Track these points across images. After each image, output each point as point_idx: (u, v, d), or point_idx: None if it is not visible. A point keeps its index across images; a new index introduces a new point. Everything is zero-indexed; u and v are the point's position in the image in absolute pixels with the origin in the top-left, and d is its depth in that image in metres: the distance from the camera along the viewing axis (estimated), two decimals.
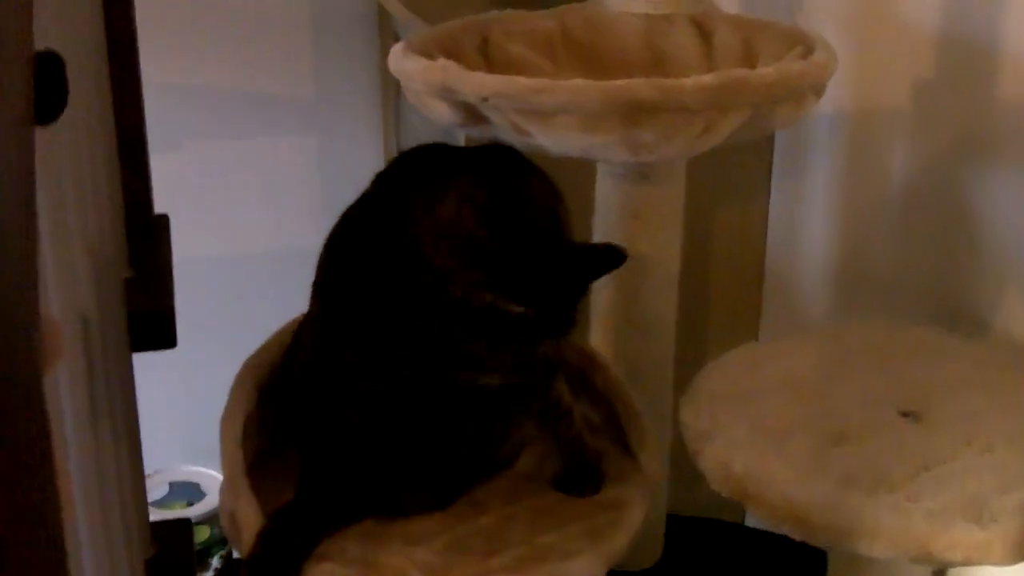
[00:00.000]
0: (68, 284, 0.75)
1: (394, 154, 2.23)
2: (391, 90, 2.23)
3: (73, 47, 0.83)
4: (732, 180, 1.93)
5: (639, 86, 1.10)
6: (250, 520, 1.10)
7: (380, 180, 1.20)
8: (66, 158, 0.76)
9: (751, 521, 1.88)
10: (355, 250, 1.14)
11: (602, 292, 1.47)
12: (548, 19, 1.44)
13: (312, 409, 1.15)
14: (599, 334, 1.48)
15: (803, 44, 1.30)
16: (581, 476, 1.21)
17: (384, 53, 1.29)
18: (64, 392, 0.76)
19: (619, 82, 1.10)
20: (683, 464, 1.24)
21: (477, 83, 1.14)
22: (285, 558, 1.08)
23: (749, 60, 1.37)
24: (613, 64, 1.39)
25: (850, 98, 1.70)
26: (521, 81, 1.13)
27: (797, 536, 1.10)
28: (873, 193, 1.71)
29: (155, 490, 2.15)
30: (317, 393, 1.14)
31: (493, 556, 1.10)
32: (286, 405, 1.24)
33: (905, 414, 1.21)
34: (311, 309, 1.19)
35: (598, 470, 1.22)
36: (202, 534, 2.05)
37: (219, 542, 2.03)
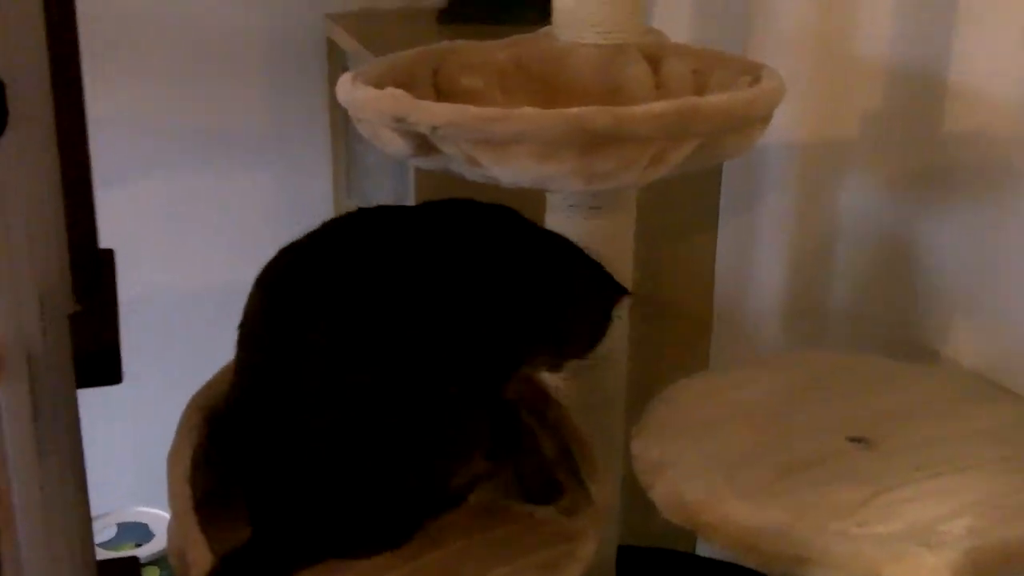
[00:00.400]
0: (13, 312, 0.74)
1: (344, 189, 2.25)
2: (341, 124, 2.22)
3: (14, 74, 0.82)
4: (681, 213, 1.94)
5: (593, 114, 1.11)
6: (200, 559, 1.09)
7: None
8: (9, 186, 0.75)
9: (703, 551, 1.88)
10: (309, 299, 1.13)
11: None
12: (500, 50, 1.44)
13: (253, 454, 1.13)
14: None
15: (750, 73, 1.32)
16: (545, 486, 1.22)
17: (333, 88, 1.29)
18: (8, 428, 0.74)
19: (572, 110, 1.11)
20: (635, 495, 1.24)
21: (428, 112, 1.13)
22: None
23: (699, 90, 1.38)
24: (566, 95, 1.40)
25: (799, 130, 1.71)
26: (473, 110, 1.12)
27: (750, 564, 1.10)
28: (822, 225, 1.73)
29: (103, 532, 2.12)
30: (257, 438, 1.12)
31: None
32: (231, 445, 1.22)
33: (855, 440, 1.22)
34: (240, 353, 1.17)
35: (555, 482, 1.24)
36: (151, 575, 2.03)
37: None
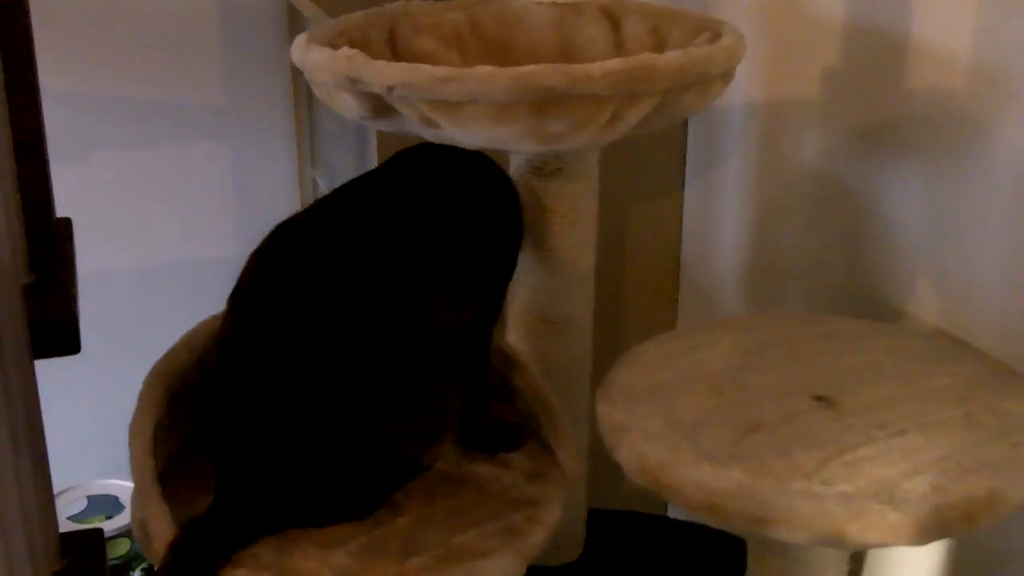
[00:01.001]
0: None
1: (307, 158, 2.23)
2: (303, 93, 2.20)
3: None
4: (646, 175, 1.93)
5: (546, 72, 1.09)
6: (162, 529, 1.08)
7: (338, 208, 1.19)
8: None
9: (674, 513, 1.88)
10: (306, 271, 1.12)
11: (517, 290, 1.46)
12: (456, 11, 1.43)
13: (231, 421, 1.13)
14: (515, 332, 1.48)
15: (710, 30, 1.31)
16: (507, 431, 1.26)
17: None
18: None
19: (526, 68, 1.09)
20: (603, 459, 1.24)
21: (383, 73, 1.12)
22: (199, 568, 1.06)
23: (658, 48, 1.37)
24: (523, 56, 1.39)
25: (760, 90, 1.71)
26: (427, 70, 1.11)
27: (714, 525, 1.10)
28: (785, 185, 1.73)
29: (73, 504, 2.11)
30: (237, 405, 1.12)
31: (410, 557, 1.09)
32: (202, 413, 1.21)
33: (818, 399, 1.21)
34: (229, 319, 1.16)
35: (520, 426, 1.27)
36: (122, 547, 2.03)
37: (139, 555, 2.01)
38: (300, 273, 1.12)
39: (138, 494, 1.13)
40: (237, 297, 1.16)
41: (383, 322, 1.11)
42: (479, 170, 1.25)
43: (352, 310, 1.10)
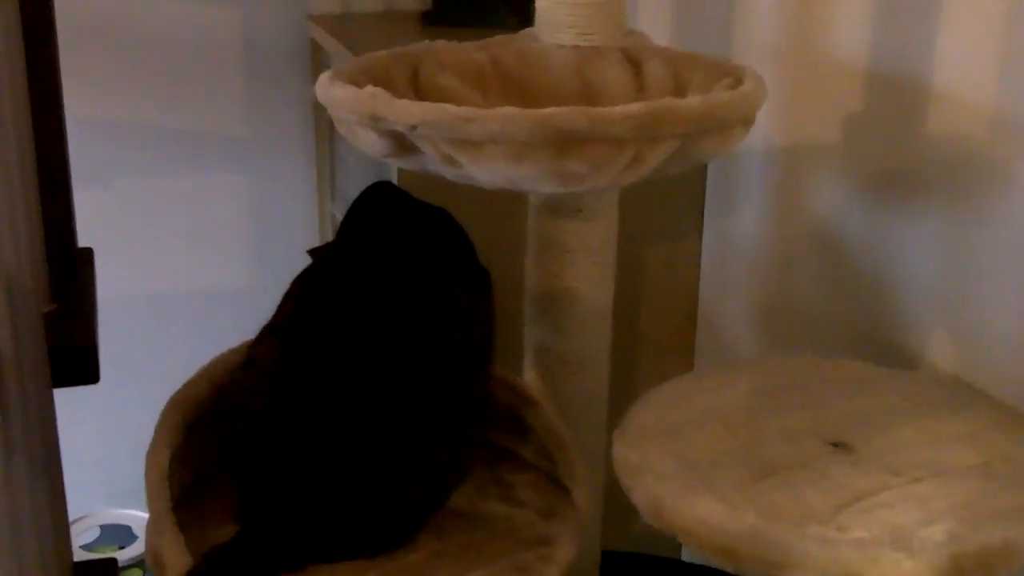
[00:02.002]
0: None
1: (327, 192, 2.25)
2: (324, 128, 2.22)
3: None
4: (664, 217, 1.94)
5: (568, 114, 1.10)
6: (175, 558, 1.08)
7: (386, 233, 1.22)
8: None
9: (688, 556, 1.88)
10: (352, 306, 1.15)
11: (534, 329, 1.46)
12: (479, 51, 1.43)
13: (266, 456, 1.13)
14: (532, 371, 1.48)
15: (732, 75, 1.31)
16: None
17: None
18: None
19: (548, 110, 1.10)
20: (618, 499, 1.24)
21: (405, 111, 1.13)
22: None
23: (679, 92, 1.37)
24: (544, 97, 1.39)
25: (780, 134, 1.71)
26: (450, 109, 1.12)
27: (728, 569, 1.10)
28: (803, 230, 1.73)
29: (86, 534, 2.12)
30: (276, 441, 1.13)
31: None
32: (218, 445, 1.22)
33: (834, 444, 1.21)
34: (267, 352, 1.18)
35: None
36: None
37: None
38: (342, 310, 1.15)
39: (153, 523, 1.13)
40: (280, 333, 1.18)
41: (433, 329, 1.15)
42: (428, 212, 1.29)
43: (395, 338, 1.13)
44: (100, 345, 1.10)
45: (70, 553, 1.14)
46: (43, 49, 1.10)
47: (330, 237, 1.33)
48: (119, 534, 2.13)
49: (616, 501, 1.27)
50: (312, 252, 1.27)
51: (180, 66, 2.16)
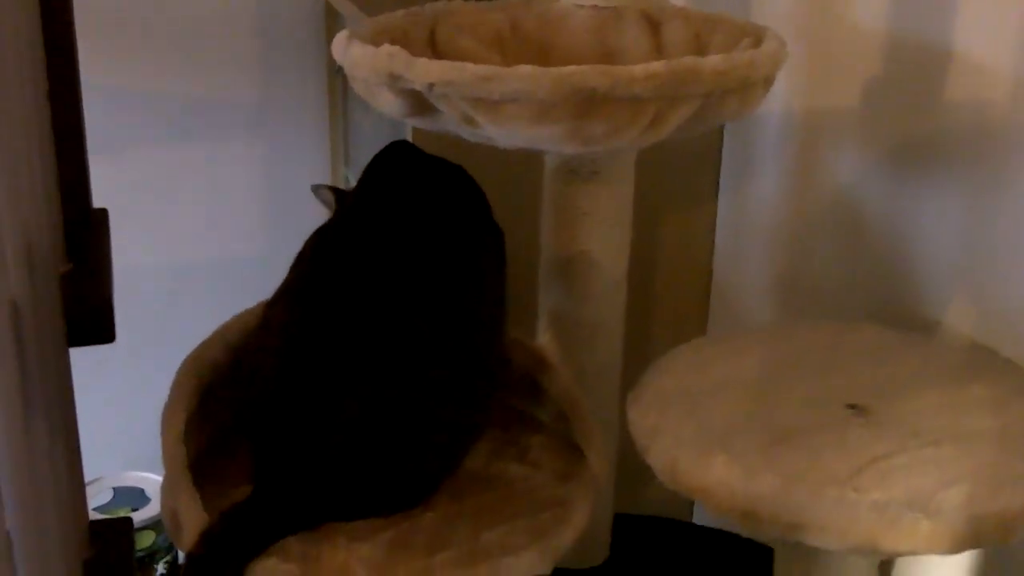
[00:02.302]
0: None
1: (341, 158, 2.24)
2: (338, 93, 2.21)
3: (2, 25, 0.81)
4: (680, 183, 1.93)
5: (589, 73, 1.09)
6: (192, 518, 1.09)
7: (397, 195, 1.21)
8: None
9: (699, 519, 1.88)
10: (367, 267, 1.15)
11: (549, 293, 1.46)
12: (497, 12, 1.43)
13: (281, 416, 1.13)
14: (546, 335, 1.48)
15: (752, 36, 1.30)
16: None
17: (331, 56, 1.28)
18: None
19: (568, 68, 1.09)
20: (631, 464, 1.23)
21: (424, 70, 1.12)
22: (230, 558, 1.07)
23: (700, 53, 1.36)
24: (563, 59, 1.39)
25: (798, 100, 1.70)
26: (469, 68, 1.11)
27: (745, 531, 1.10)
28: (820, 195, 1.72)
29: (99, 496, 2.12)
30: (291, 401, 1.13)
31: (437, 552, 1.09)
32: (234, 406, 1.22)
33: (852, 407, 1.21)
34: (281, 314, 1.17)
35: None
36: (146, 539, 2.03)
37: (164, 548, 2.01)
38: (357, 269, 1.15)
39: (169, 483, 1.14)
40: (294, 294, 1.17)
41: (448, 291, 1.15)
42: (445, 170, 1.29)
43: (410, 299, 1.13)
44: (120, 312, 1.10)
45: (86, 512, 1.14)
46: (59, 14, 1.09)
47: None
48: (132, 496, 2.14)
49: (628, 466, 1.27)
50: (315, 189, 1.27)
51: (194, 32, 2.15)
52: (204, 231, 2.28)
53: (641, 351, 1.56)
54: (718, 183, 1.94)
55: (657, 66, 1.11)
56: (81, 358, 1.06)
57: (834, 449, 1.14)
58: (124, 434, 2.00)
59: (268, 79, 2.23)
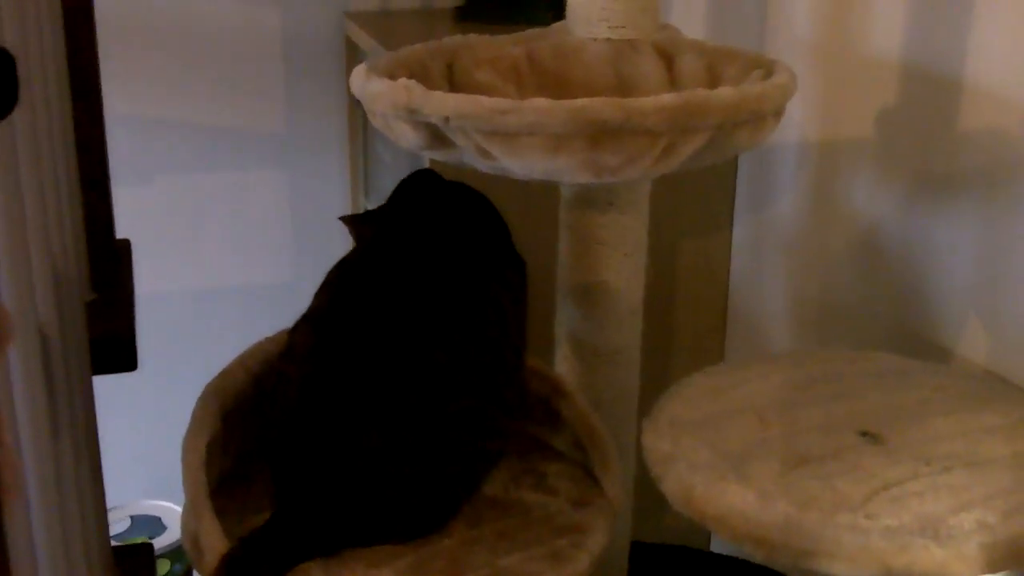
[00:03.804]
0: (22, 285, 0.75)
1: (361, 188, 2.26)
2: (359, 124, 2.24)
3: (29, 54, 0.83)
4: (696, 211, 1.94)
5: (602, 106, 1.11)
6: (213, 543, 1.10)
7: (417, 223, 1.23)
8: (24, 165, 0.76)
9: (717, 547, 1.88)
10: (387, 294, 1.17)
11: (566, 321, 1.47)
12: (514, 45, 1.45)
13: (301, 442, 1.14)
14: (564, 363, 1.49)
15: (764, 68, 1.32)
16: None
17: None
18: (22, 406, 0.76)
19: (581, 101, 1.11)
20: (648, 492, 1.24)
21: (440, 103, 1.14)
22: None
23: (712, 85, 1.38)
24: (579, 90, 1.40)
25: (813, 129, 1.72)
26: (485, 101, 1.13)
27: (759, 557, 1.11)
28: (835, 223, 1.73)
29: (117, 524, 2.14)
30: (311, 427, 1.14)
31: None
32: (255, 433, 1.24)
33: (865, 434, 1.22)
34: (304, 340, 1.19)
35: None
36: (162, 568, 2.05)
37: None
38: (380, 298, 1.16)
39: (191, 509, 1.15)
40: (317, 322, 1.19)
41: (469, 326, 1.16)
42: (469, 199, 1.30)
43: (432, 333, 1.14)
44: (140, 339, 1.12)
45: (108, 537, 1.15)
46: (83, 45, 1.11)
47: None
48: (150, 525, 2.15)
49: (646, 494, 1.28)
50: (345, 220, 1.28)
51: (219, 63, 2.18)
52: (227, 259, 2.30)
53: (659, 378, 1.57)
54: (733, 211, 1.96)
55: (668, 99, 1.13)
56: (105, 386, 1.07)
57: (847, 476, 1.14)
58: (142, 462, 2.02)
59: (291, 110, 2.26)
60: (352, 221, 1.30)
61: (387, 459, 1.12)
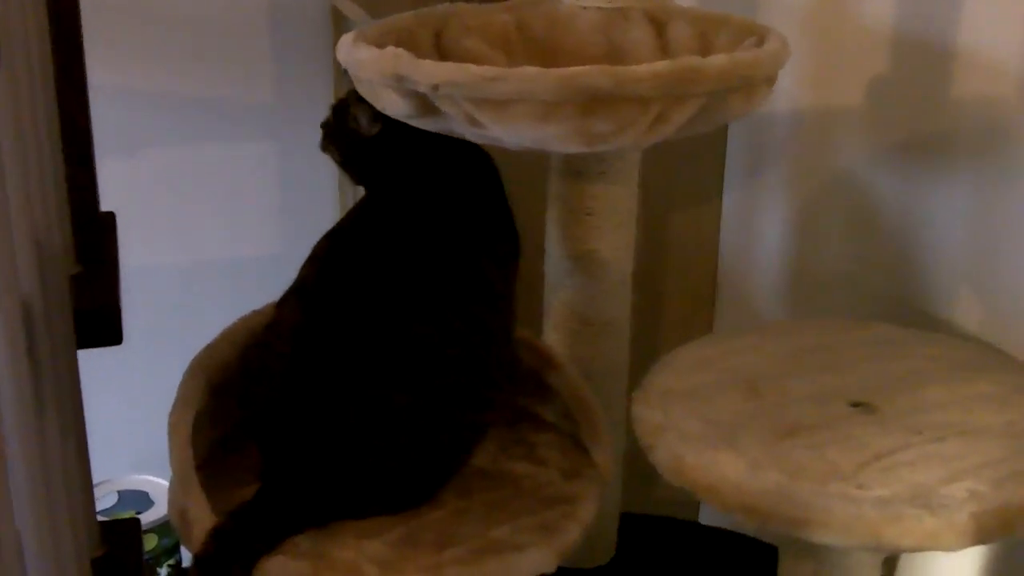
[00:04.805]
0: (5, 258, 0.74)
1: None
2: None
3: (10, 22, 0.82)
4: (686, 180, 1.93)
5: (593, 73, 1.10)
6: (201, 517, 1.10)
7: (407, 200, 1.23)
8: (5, 138, 0.75)
9: (705, 519, 1.88)
10: (376, 268, 1.16)
11: (556, 292, 1.47)
12: (503, 13, 1.43)
13: (289, 416, 1.14)
14: (554, 333, 1.48)
15: (756, 35, 1.31)
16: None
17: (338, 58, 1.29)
18: (6, 381, 0.75)
19: (572, 69, 1.09)
20: (638, 464, 1.24)
21: (429, 71, 1.13)
22: (239, 556, 1.07)
23: (704, 53, 1.37)
24: (569, 59, 1.39)
25: (804, 97, 1.71)
26: (474, 69, 1.12)
27: (750, 527, 1.11)
28: (827, 192, 1.72)
29: (104, 499, 2.13)
30: (298, 400, 1.13)
31: (446, 549, 1.09)
32: (241, 407, 1.23)
33: (857, 405, 1.21)
34: (290, 314, 1.18)
35: None
36: (150, 543, 2.04)
37: (167, 551, 2.02)
38: (367, 270, 1.15)
39: (178, 482, 1.14)
40: (304, 295, 1.18)
41: (457, 300, 1.15)
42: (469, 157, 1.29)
43: (423, 296, 1.14)
44: (126, 313, 1.11)
45: (95, 512, 1.15)
46: (66, 15, 1.10)
47: (352, 205, 1.35)
48: (137, 500, 2.14)
49: (635, 465, 1.28)
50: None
51: (204, 33, 2.16)
52: (214, 231, 2.29)
53: (648, 349, 1.56)
54: (723, 181, 1.95)
55: (660, 66, 1.11)
56: (85, 359, 1.06)
57: (839, 445, 1.14)
58: (129, 437, 2.01)
59: (278, 81, 2.24)
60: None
61: (374, 431, 1.11)
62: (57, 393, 0.93)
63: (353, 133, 1.29)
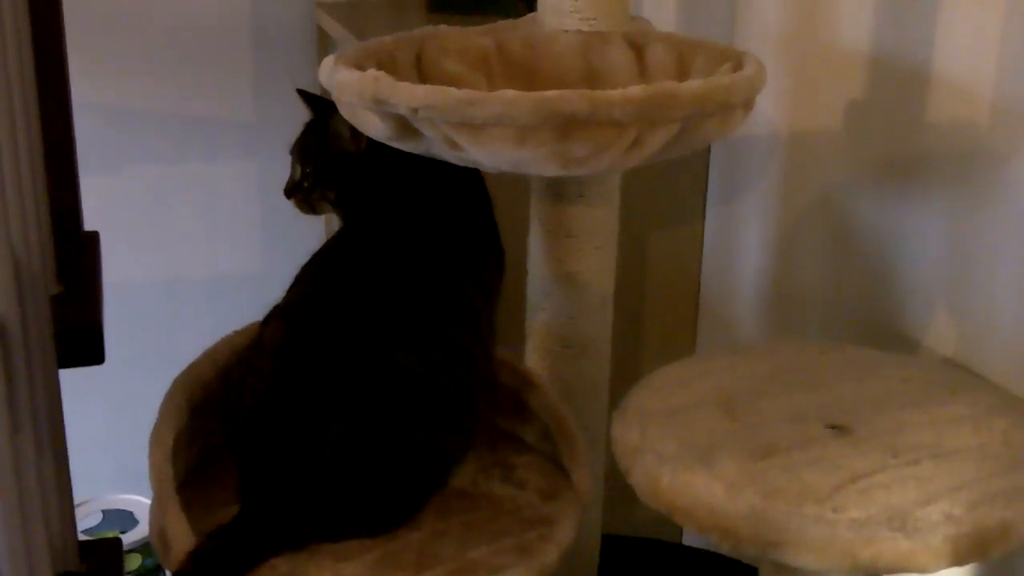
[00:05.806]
0: None
1: None
2: None
3: None
4: (667, 202, 1.95)
5: (569, 97, 1.11)
6: (180, 537, 1.10)
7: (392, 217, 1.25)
8: None
9: (689, 540, 1.89)
10: (360, 287, 1.18)
11: (537, 312, 1.47)
12: (483, 36, 1.44)
13: (269, 436, 1.14)
14: (534, 354, 1.49)
15: (733, 60, 1.32)
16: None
17: None
18: None
19: (549, 93, 1.11)
20: (619, 485, 1.24)
21: (408, 94, 1.14)
22: None
23: (682, 77, 1.38)
24: (549, 81, 1.40)
25: (784, 120, 1.72)
26: (452, 92, 1.13)
27: (725, 548, 1.11)
28: (806, 214, 1.74)
29: (88, 518, 2.13)
30: (279, 421, 1.14)
31: (424, 571, 1.10)
32: (222, 426, 1.23)
33: (832, 427, 1.22)
34: (274, 334, 1.19)
35: None
36: (133, 562, 2.03)
37: (151, 571, 2.01)
38: (351, 294, 1.16)
39: (157, 502, 1.15)
40: (288, 317, 1.19)
41: (440, 328, 1.17)
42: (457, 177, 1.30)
43: (407, 323, 1.16)
44: (109, 330, 1.11)
45: (75, 531, 1.15)
46: (50, 33, 1.10)
47: (335, 222, 1.35)
48: (121, 519, 2.14)
49: (617, 487, 1.28)
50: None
51: (188, 52, 2.17)
52: (197, 249, 2.29)
53: (630, 369, 1.57)
54: (705, 202, 1.96)
55: (636, 90, 1.13)
56: (69, 378, 1.06)
57: (814, 467, 1.15)
58: (113, 456, 2.01)
59: (262, 99, 2.25)
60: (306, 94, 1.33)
61: (354, 454, 1.12)
62: (34, 413, 0.93)
63: (338, 150, 1.30)
